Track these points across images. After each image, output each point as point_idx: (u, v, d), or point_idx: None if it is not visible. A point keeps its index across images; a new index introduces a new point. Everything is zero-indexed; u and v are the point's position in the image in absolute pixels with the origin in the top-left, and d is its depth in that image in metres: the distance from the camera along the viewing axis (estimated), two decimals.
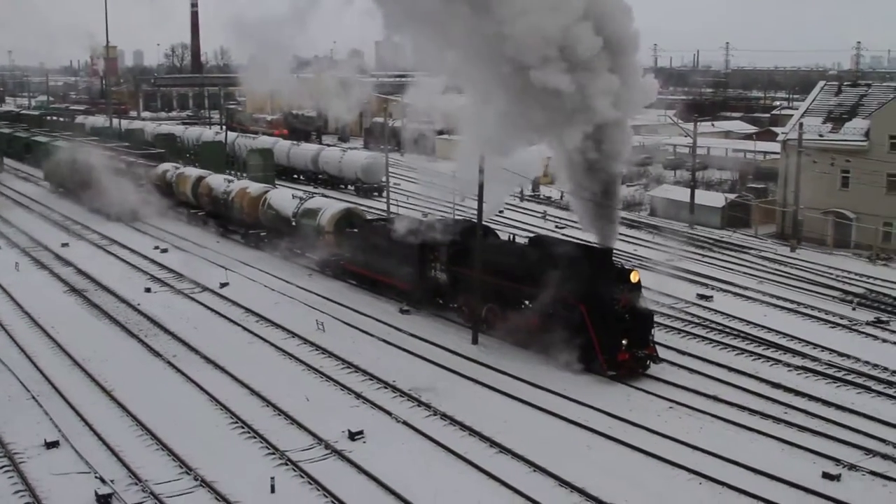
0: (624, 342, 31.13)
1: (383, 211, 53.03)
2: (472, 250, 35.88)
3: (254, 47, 49.67)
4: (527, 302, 33.62)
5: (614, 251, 33.96)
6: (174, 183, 61.81)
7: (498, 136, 32.93)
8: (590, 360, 31.54)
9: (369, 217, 47.97)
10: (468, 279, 36.31)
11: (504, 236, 39.64)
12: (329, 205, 47.61)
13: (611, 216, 33.07)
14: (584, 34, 30.04)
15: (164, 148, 79.89)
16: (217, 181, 57.70)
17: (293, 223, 47.95)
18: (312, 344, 35.15)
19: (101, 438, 26.21)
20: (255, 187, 54.11)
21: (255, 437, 26.38)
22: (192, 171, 62.03)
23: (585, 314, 31.14)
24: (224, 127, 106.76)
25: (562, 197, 69.38)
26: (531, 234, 37.58)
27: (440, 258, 38.40)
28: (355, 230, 44.11)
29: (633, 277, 32.20)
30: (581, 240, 36.34)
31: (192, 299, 42.07)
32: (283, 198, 50.41)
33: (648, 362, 31.94)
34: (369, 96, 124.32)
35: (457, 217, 47.14)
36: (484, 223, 38.58)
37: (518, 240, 39.08)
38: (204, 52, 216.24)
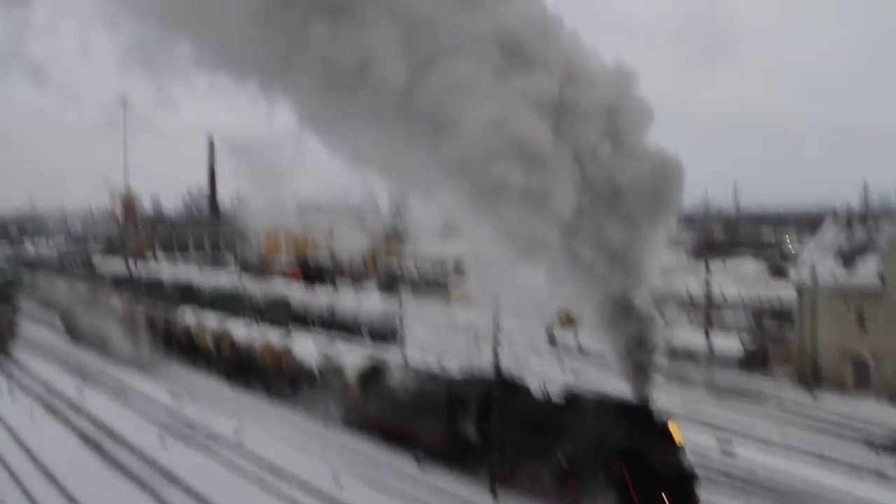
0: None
1: (407, 364, 52.38)
2: (505, 406, 34.94)
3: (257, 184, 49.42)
4: (564, 461, 32.35)
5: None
6: (196, 335, 61.86)
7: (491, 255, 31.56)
8: None
9: (396, 371, 46.21)
10: (500, 436, 35.12)
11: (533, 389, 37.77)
12: (355, 359, 47.09)
13: (650, 365, 31.36)
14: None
15: (182, 296, 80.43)
16: (239, 333, 57.77)
17: (317, 377, 47.56)
18: (329, 498, 34.56)
19: None
20: (278, 339, 54.18)
21: None
22: (214, 323, 62.05)
23: (626, 474, 29.66)
24: (238, 271, 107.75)
25: (578, 345, 69.09)
26: (565, 390, 36.39)
27: (470, 414, 37.11)
28: (382, 385, 43.09)
29: (678, 437, 30.69)
30: (617, 396, 34.35)
31: (207, 450, 41.63)
32: (308, 351, 50.30)
33: None
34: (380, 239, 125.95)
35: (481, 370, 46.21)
36: (515, 377, 37.62)
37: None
38: (220, 198, 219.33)
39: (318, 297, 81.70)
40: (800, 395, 54.00)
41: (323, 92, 29.26)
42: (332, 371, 46.35)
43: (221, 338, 58.25)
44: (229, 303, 75.79)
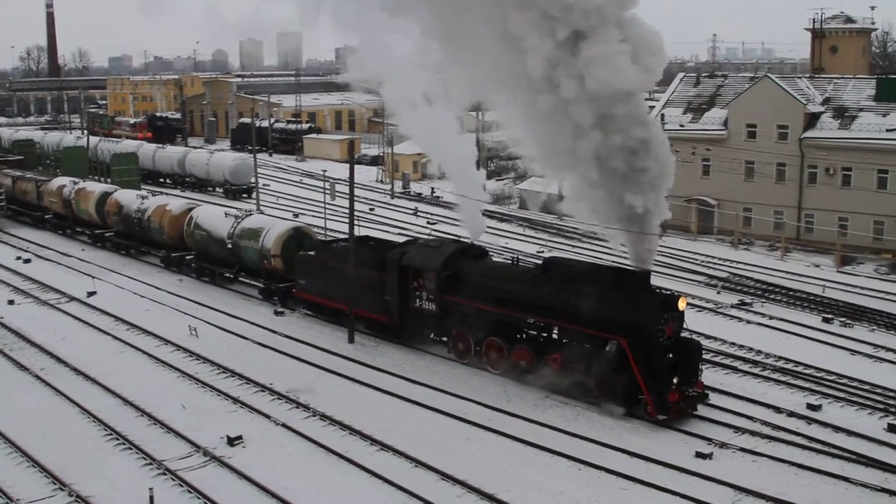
0: (674, 380, 27.25)
1: (331, 230, 48.93)
2: (469, 275, 32.35)
3: None
4: (541, 335, 30.56)
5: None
6: (73, 200, 55.24)
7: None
8: (633, 402, 27.47)
9: (324, 237, 42.94)
10: (464, 309, 32.26)
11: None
12: (272, 224, 42.07)
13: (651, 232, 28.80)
14: None
15: (23, 154, 76.99)
16: (128, 197, 51.23)
17: (229, 245, 42.57)
18: (186, 350, 34.53)
19: None
20: (176, 204, 48.24)
21: (130, 449, 25.77)
22: (96, 187, 55.95)
23: (628, 350, 27.08)
24: (86, 131, 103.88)
25: (432, 192, 69.90)
26: (543, 257, 33.99)
27: (426, 286, 33.44)
28: (311, 253, 39.03)
29: (681, 305, 27.84)
30: (608, 264, 33.08)
31: (59, 310, 40.80)
32: (214, 216, 44.63)
33: (696, 402, 28.07)
34: (235, 96, 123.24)
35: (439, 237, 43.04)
36: (476, 243, 35.00)
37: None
38: (62, 54, 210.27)
39: (169, 154, 79.30)
40: None
41: None
42: (248, 240, 41.66)
43: (107, 206, 52.05)
44: (75, 162, 72.87)
